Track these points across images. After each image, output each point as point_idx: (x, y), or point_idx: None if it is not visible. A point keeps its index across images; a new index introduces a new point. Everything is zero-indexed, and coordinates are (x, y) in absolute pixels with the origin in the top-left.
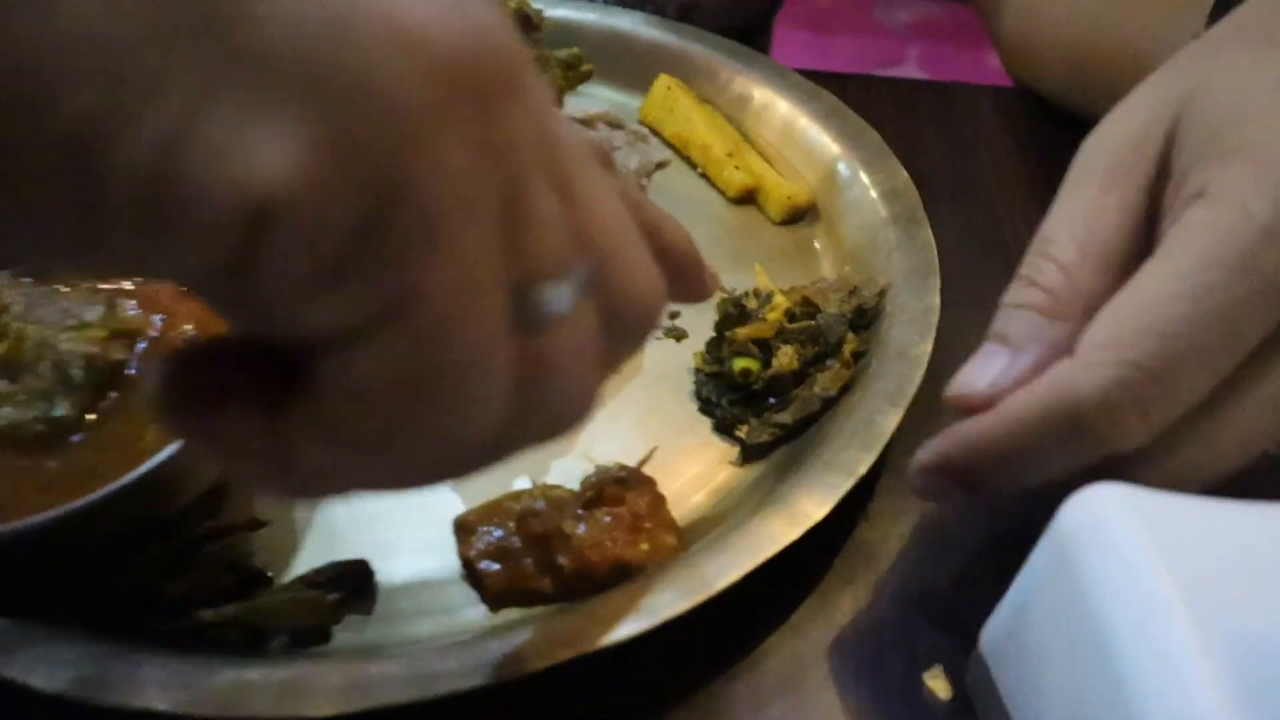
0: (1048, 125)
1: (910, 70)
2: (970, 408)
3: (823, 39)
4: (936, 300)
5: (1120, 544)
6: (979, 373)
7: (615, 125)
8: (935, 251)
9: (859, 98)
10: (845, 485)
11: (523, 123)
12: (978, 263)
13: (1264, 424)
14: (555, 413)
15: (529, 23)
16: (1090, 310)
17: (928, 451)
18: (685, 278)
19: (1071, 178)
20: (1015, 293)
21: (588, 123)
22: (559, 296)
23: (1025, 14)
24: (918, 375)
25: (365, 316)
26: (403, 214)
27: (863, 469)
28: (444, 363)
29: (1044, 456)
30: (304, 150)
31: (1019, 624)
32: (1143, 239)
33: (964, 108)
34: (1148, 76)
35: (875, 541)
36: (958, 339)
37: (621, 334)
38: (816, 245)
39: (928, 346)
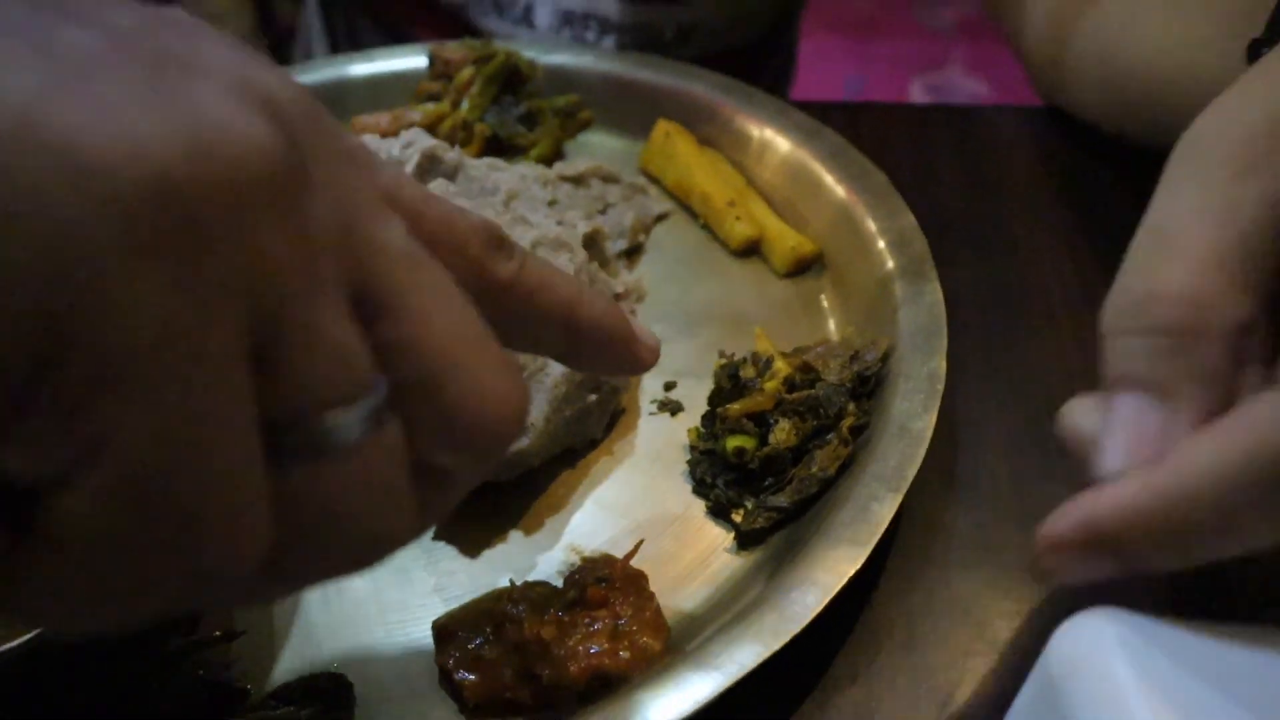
0: (1079, 150)
1: (955, 72)
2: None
3: (861, 44)
4: (942, 365)
5: (1113, 684)
6: (1124, 437)
7: (610, 180)
8: (943, 308)
9: (873, 129)
10: (836, 586)
11: (280, 238)
12: (994, 313)
13: None
14: (340, 550)
15: (519, 75)
16: (1237, 325)
17: (1066, 523)
18: (612, 354)
19: (1182, 164)
20: (1127, 310)
21: (580, 179)
22: (339, 426)
23: (1051, 27)
24: (919, 453)
25: (60, 463)
26: (77, 358)
27: (853, 568)
28: (158, 507)
29: (1250, 521)
30: None
31: None
32: None
33: (986, 134)
34: (1188, 88)
35: (880, 629)
36: (970, 401)
37: (455, 456)
38: (823, 300)
39: (931, 419)
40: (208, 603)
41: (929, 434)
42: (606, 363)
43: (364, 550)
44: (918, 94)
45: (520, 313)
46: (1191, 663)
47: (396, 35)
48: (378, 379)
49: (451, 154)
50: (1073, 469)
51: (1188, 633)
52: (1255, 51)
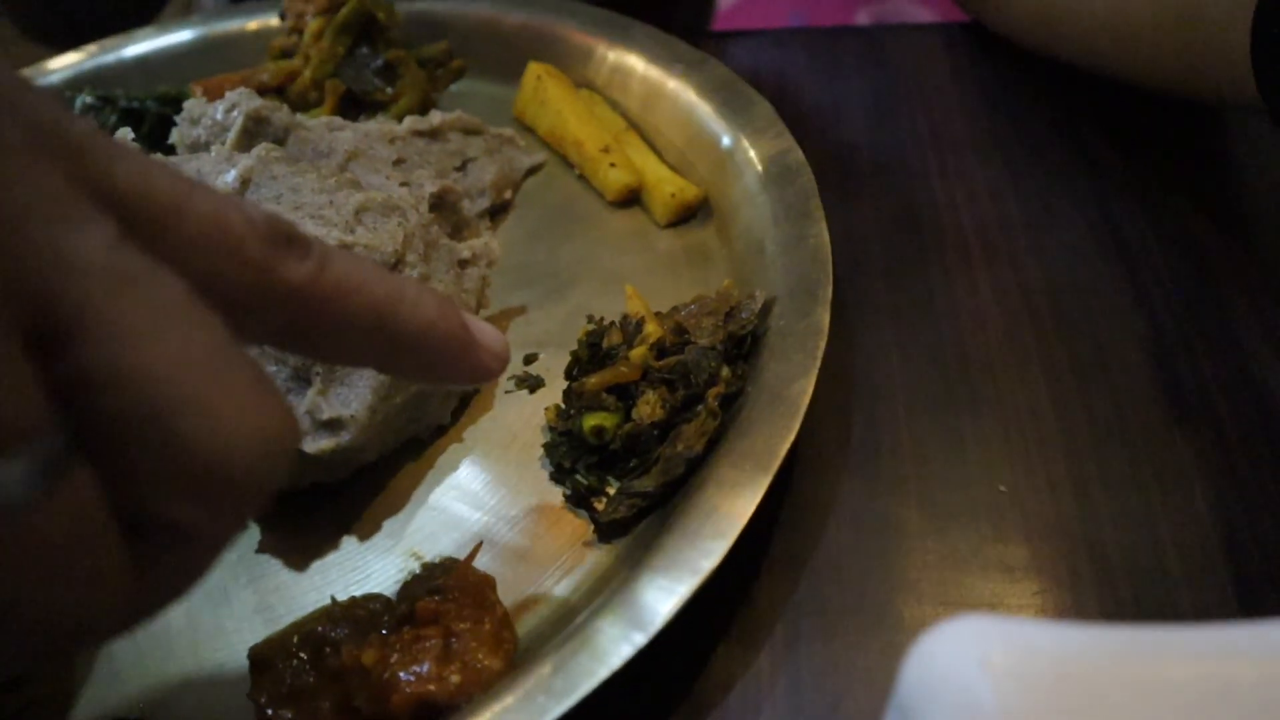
0: (994, 66)
1: (902, 2)
2: None
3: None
4: (825, 318)
5: (972, 700)
6: None
7: (472, 131)
8: (828, 251)
9: (773, 58)
10: (692, 583)
11: None
12: (900, 248)
13: None
14: (16, 642)
15: (376, 24)
16: None
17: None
18: (446, 365)
19: None
20: None
21: (435, 133)
22: (11, 474)
23: None
24: (794, 425)
25: None
26: None
27: (711, 563)
28: None
29: None
30: None
31: None
32: None
33: (897, 56)
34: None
35: (759, 628)
36: (869, 353)
37: (190, 508)
38: (709, 250)
39: (808, 383)
40: None
41: (805, 401)
42: (440, 375)
43: (52, 640)
44: (862, 23)
45: (323, 320)
46: (1057, 668)
47: None
48: (47, 424)
49: (281, 114)
50: (984, 434)
51: (1054, 635)
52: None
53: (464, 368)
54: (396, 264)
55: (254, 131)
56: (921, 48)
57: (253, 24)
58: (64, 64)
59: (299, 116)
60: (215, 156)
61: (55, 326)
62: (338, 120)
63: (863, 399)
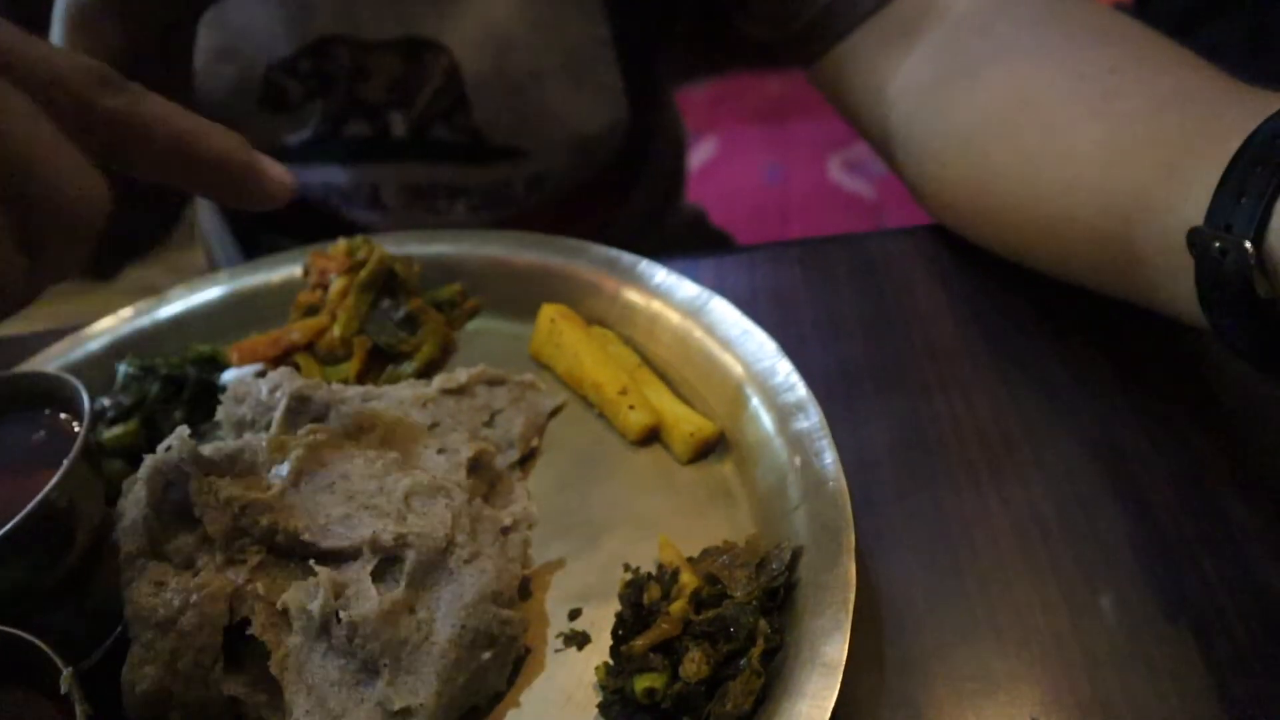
0: (974, 269)
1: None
2: None
3: (776, 129)
4: (852, 569)
5: None
6: None
7: (495, 382)
8: (847, 498)
9: (767, 272)
10: None
11: None
12: (909, 464)
13: None
14: None
15: (395, 277)
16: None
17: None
18: (236, 185)
19: None
20: None
21: (463, 389)
22: None
23: (938, 167)
24: (834, 684)
25: None
26: None
27: None
28: None
29: None
30: None
31: None
32: None
33: (881, 261)
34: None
35: None
36: (892, 564)
37: (51, 231)
38: (730, 485)
39: (844, 640)
40: None
41: (843, 658)
42: (232, 193)
43: None
44: (836, 172)
45: (136, 143)
46: None
47: (279, 230)
48: None
49: (322, 391)
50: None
51: None
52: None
53: (254, 188)
54: (448, 546)
55: (297, 410)
56: (907, 253)
57: (276, 278)
58: (104, 328)
59: (335, 386)
60: (265, 447)
61: None
62: (373, 390)
63: (893, 634)
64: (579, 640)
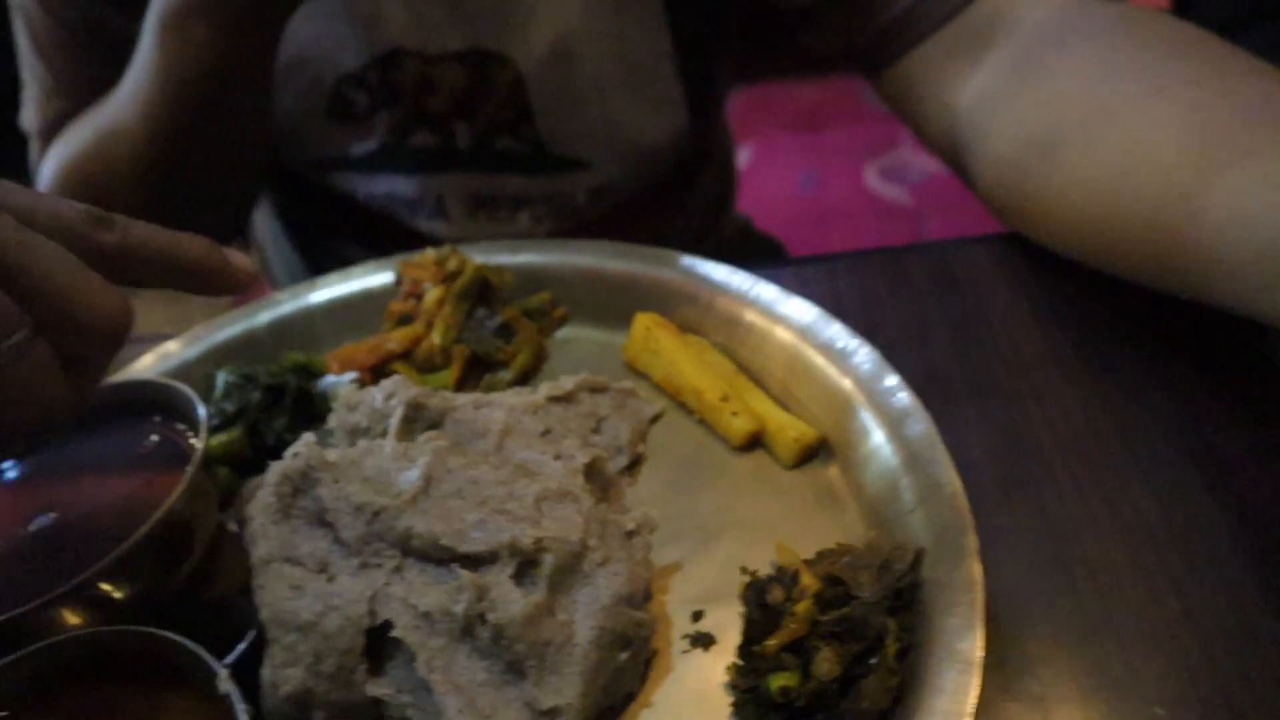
0: (1055, 277)
1: (906, 152)
2: None
3: (810, 137)
4: (977, 568)
5: None
6: None
7: (597, 389)
8: (964, 500)
9: (850, 282)
10: None
11: None
12: (1007, 469)
13: None
14: (24, 413)
15: (490, 287)
16: None
17: None
18: (211, 282)
19: None
20: None
21: (569, 397)
22: (10, 347)
23: (1016, 176)
24: (974, 681)
25: None
26: None
27: None
28: None
29: None
30: None
31: None
32: None
33: (961, 269)
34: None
35: None
36: (1003, 570)
37: (89, 348)
38: (836, 490)
39: (979, 637)
40: None
41: (979, 654)
42: (209, 288)
43: (40, 413)
44: (872, 179)
45: (131, 264)
46: None
47: (345, 237)
48: (23, 319)
49: (435, 399)
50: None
51: None
52: None
53: (225, 282)
54: (582, 550)
55: (413, 418)
56: (986, 261)
57: (362, 288)
58: (194, 337)
59: (447, 394)
60: (391, 452)
61: (5, 271)
62: (483, 397)
63: (1010, 633)
64: (704, 641)
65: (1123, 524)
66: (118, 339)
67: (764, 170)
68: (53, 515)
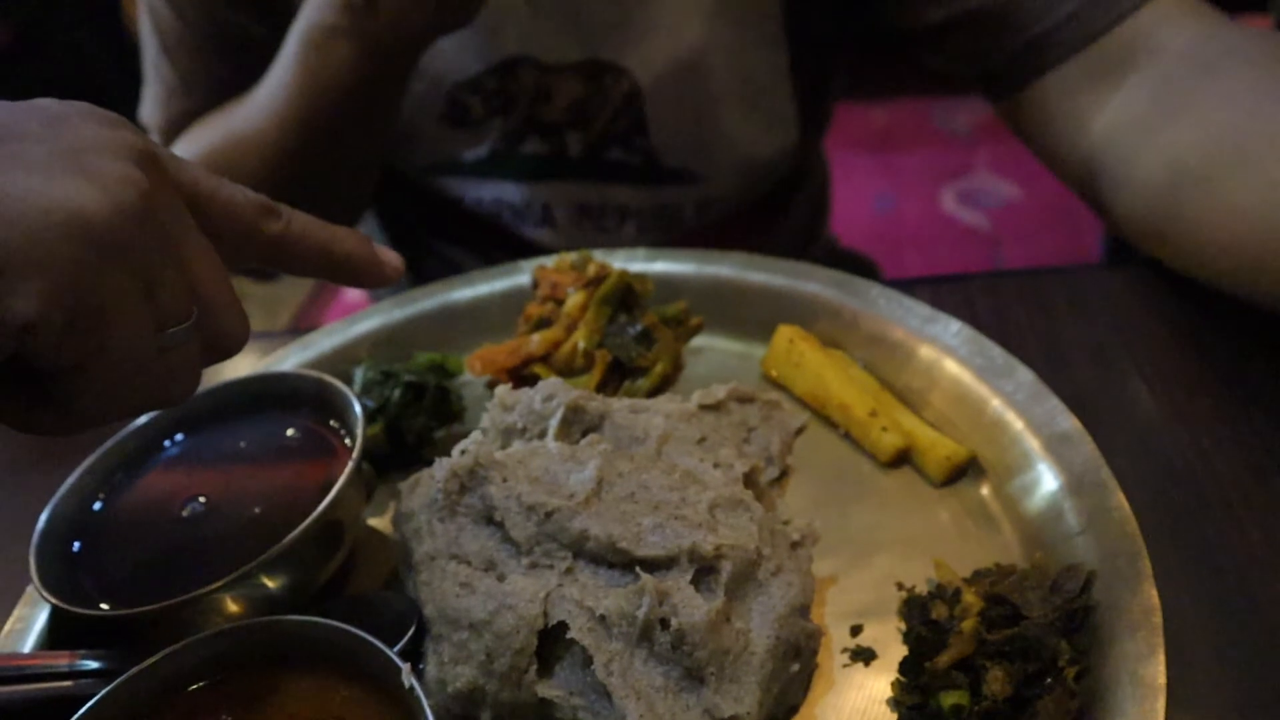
0: (1193, 306)
1: (982, 177)
2: None
3: (884, 158)
4: (1154, 594)
5: None
6: None
7: (745, 400)
8: (1135, 525)
9: (986, 304)
10: None
11: (147, 239)
12: (1167, 502)
13: None
14: (172, 387)
15: (632, 294)
16: None
17: None
18: (363, 274)
19: None
20: None
21: (720, 405)
22: (179, 333)
23: (1166, 202)
24: (1159, 708)
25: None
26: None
27: None
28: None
29: None
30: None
31: None
32: None
33: (1097, 295)
34: None
35: None
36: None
37: (215, 350)
38: (989, 510)
39: (1160, 663)
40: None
41: (1163, 681)
42: (359, 281)
43: (176, 398)
44: (949, 203)
45: (291, 254)
46: None
47: (448, 239)
48: (191, 311)
49: (595, 403)
50: None
51: None
52: None
53: (376, 274)
54: (758, 558)
55: (572, 420)
56: (1123, 288)
57: (494, 290)
58: (331, 330)
59: (604, 399)
60: (558, 453)
61: (185, 266)
62: (640, 402)
63: (1174, 660)
64: (865, 656)
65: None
66: (232, 354)
67: (840, 190)
68: (203, 501)
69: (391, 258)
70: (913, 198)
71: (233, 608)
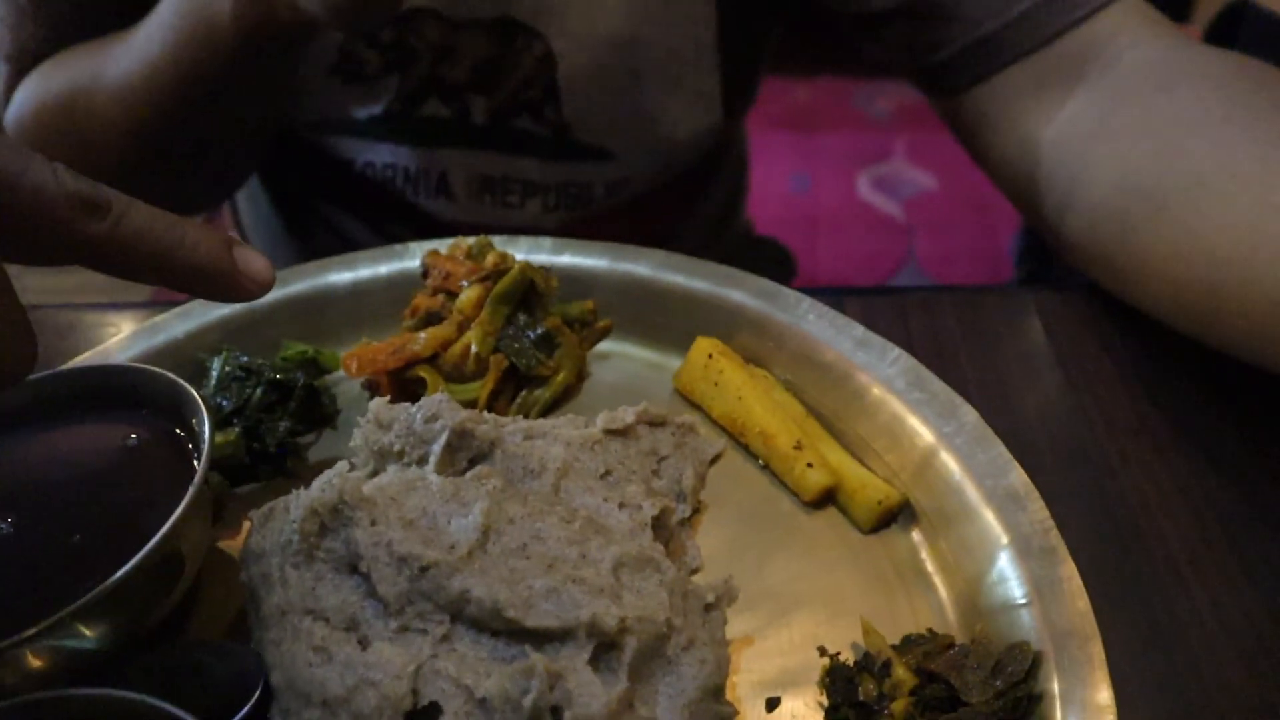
0: (1139, 335)
1: (899, 164)
2: None
3: (803, 138)
4: (1108, 693)
5: None
6: None
7: (656, 424)
8: (1087, 603)
9: (920, 320)
10: None
11: None
12: (1111, 558)
13: None
14: None
15: (534, 290)
16: None
17: None
18: (214, 287)
19: None
20: None
21: (628, 430)
22: None
23: (1116, 227)
24: None
25: None
26: None
27: None
28: None
29: None
30: None
31: None
32: None
33: (1039, 317)
34: None
35: None
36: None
37: None
38: (921, 565)
39: None
40: None
41: None
42: (210, 295)
43: None
44: (865, 189)
45: (120, 261)
46: None
47: (336, 205)
48: None
49: (484, 427)
50: None
51: None
52: None
53: (231, 289)
54: (667, 631)
55: (457, 446)
56: (1065, 312)
57: (380, 273)
58: (183, 312)
59: (495, 420)
60: (439, 491)
61: None
62: (534, 425)
63: None
64: None
65: (1231, 629)
66: (12, 377)
67: (757, 165)
68: (9, 523)
69: (257, 269)
70: (829, 180)
71: (35, 663)
